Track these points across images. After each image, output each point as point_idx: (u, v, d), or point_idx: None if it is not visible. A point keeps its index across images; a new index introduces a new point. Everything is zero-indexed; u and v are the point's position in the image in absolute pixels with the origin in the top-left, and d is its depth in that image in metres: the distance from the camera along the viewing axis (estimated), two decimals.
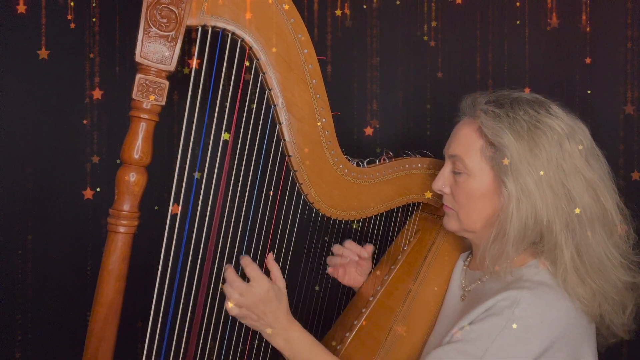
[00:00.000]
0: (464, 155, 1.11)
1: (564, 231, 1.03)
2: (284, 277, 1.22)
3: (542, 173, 1.03)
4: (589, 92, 1.59)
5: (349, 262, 1.35)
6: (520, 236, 1.04)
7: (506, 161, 1.04)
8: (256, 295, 1.05)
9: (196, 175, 1.03)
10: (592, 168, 1.06)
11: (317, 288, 1.39)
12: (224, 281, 1.08)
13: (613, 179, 1.10)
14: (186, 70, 1.03)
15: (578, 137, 1.06)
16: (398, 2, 1.58)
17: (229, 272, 1.07)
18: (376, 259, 1.41)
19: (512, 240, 1.04)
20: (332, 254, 1.35)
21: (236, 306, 1.06)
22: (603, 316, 1.07)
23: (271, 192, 1.13)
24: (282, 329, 1.08)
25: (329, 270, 1.36)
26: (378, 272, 1.36)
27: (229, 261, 1.10)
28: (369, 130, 1.62)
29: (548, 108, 1.08)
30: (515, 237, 1.04)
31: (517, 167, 1.03)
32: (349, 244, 1.33)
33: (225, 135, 1.04)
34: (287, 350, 1.09)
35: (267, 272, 1.10)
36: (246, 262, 1.08)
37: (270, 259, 1.12)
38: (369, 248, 1.35)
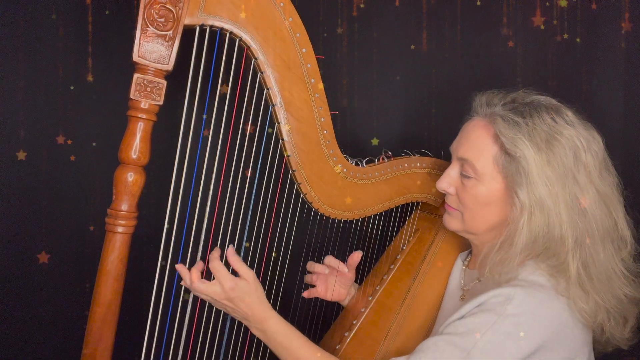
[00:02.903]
0: (475, 160, 1.08)
1: (573, 246, 1.01)
2: (282, 277, 1.22)
3: (558, 186, 1.00)
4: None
5: (329, 275, 1.33)
6: (528, 248, 1.03)
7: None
8: (219, 295, 1.07)
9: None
10: (605, 181, 1.04)
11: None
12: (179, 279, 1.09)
13: (622, 190, 1.08)
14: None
15: (593, 149, 1.04)
16: (397, 3, 1.58)
17: (193, 273, 1.07)
18: (375, 258, 1.41)
19: (519, 251, 1.02)
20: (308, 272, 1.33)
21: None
22: (604, 329, 1.05)
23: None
24: (257, 321, 1.08)
25: (304, 294, 1.33)
26: (377, 272, 1.36)
27: (227, 260, 1.10)
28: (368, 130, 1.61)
29: (565, 117, 1.05)
30: (523, 248, 1.02)
31: (534, 179, 1.00)
32: (327, 259, 1.31)
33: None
34: (264, 339, 1.10)
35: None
36: (212, 257, 1.08)
37: (230, 254, 1.09)
38: (355, 257, 1.31)
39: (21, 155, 1.49)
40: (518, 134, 1.03)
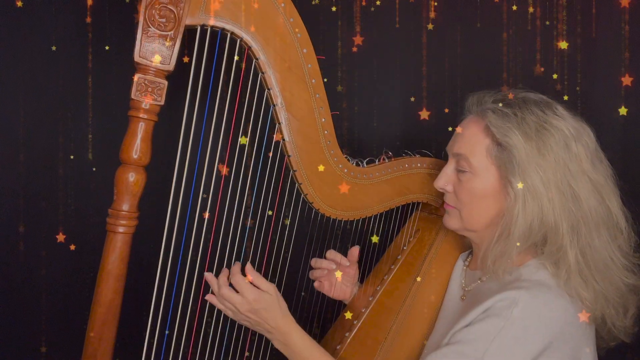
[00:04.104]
0: (469, 154, 1.10)
1: (569, 233, 1.03)
2: (282, 277, 1.22)
3: (550, 173, 1.02)
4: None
5: (331, 273, 1.33)
6: (525, 237, 1.04)
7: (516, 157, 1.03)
8: (244, 306, 1.06)
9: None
10: (597, 170, 1.06)
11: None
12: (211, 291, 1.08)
13: (616, 181, 1.09)
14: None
15: (584, 139, 1.06)
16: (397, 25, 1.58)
17: (221, 279, 1.08)
18: (376, 258, 1.41)
19: (516, 241, 1.04)
20: (311, 267, 1.34)
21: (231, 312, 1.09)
22: (604, 319, 1.06)
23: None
24: (280, 334, 1.09)
25: (315, 284, 1.35)
26: (377, 272, 1.36)
27: (228, 261, 1.10)
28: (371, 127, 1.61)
29: (554, 109, 1.07)
30: (520, 237, 1.04)
31: (525, 168, 1.03)
32: (330, 253, 1.32)
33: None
34: (286, 353, 1.10)
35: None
36: (233, 271, 1.08)
37: (249, 270, 1.09)
38: (354, 252, 1.33)
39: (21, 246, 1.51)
40: (507, 123, 1.05)
